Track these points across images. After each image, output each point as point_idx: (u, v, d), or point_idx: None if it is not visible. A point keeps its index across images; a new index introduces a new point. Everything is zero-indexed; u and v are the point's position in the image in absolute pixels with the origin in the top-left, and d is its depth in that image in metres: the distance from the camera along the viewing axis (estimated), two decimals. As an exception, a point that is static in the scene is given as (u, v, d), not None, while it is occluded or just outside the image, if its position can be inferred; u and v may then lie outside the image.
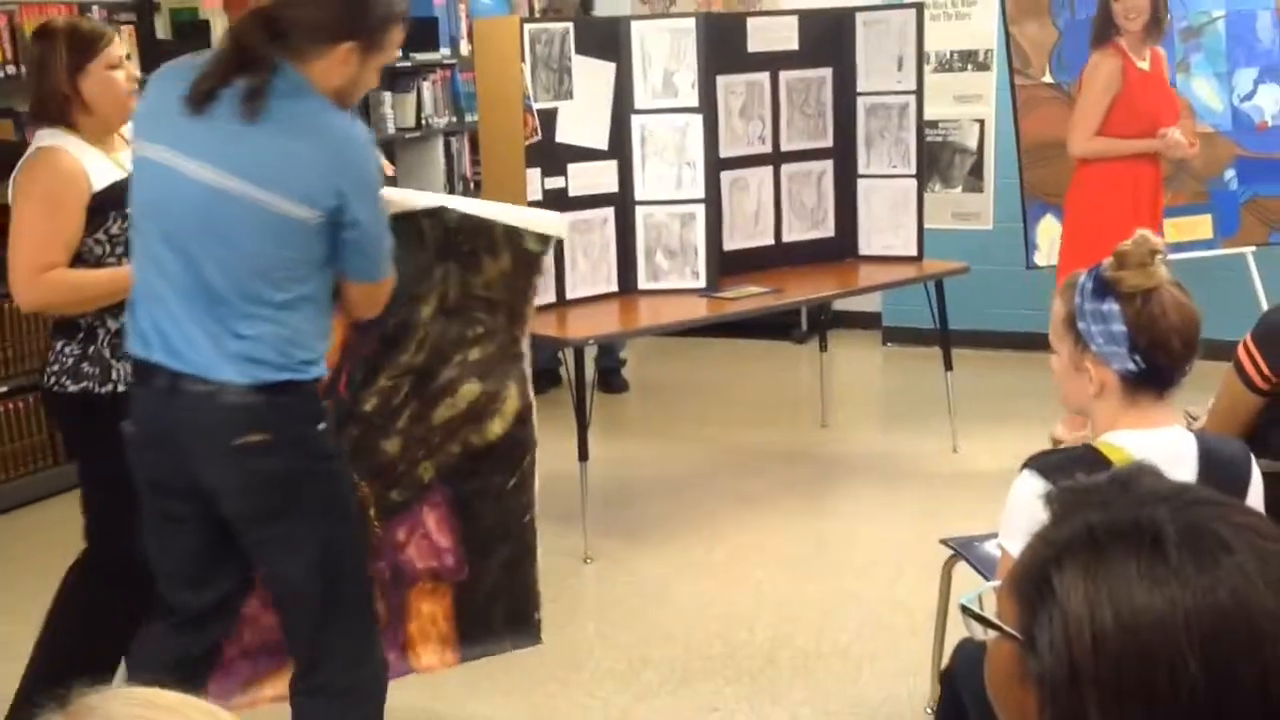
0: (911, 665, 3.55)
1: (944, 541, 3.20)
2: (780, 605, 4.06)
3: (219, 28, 5.80)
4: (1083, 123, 4.89)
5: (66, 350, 2.98)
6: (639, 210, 4.87)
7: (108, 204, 2.88)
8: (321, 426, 2.53)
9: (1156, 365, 2.07)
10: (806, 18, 4.98)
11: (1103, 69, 4.86)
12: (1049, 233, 5.57)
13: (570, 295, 4.73)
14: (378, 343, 2.96)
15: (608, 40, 4.70)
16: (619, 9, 5.27)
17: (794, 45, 5.10)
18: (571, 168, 4.68)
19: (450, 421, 3.11)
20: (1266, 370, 2.83)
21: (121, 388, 2.89)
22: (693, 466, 5.36)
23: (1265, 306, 5.04)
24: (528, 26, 4.49)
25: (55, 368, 2.99)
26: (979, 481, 4.84)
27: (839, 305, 7.40)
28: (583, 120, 4.66)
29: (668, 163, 4.82)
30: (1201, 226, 5.54)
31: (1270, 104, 5.66)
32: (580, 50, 4.61)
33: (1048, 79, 5.59)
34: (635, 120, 4.77)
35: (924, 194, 5.39)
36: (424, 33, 6.65)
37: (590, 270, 4.81)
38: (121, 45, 3.08)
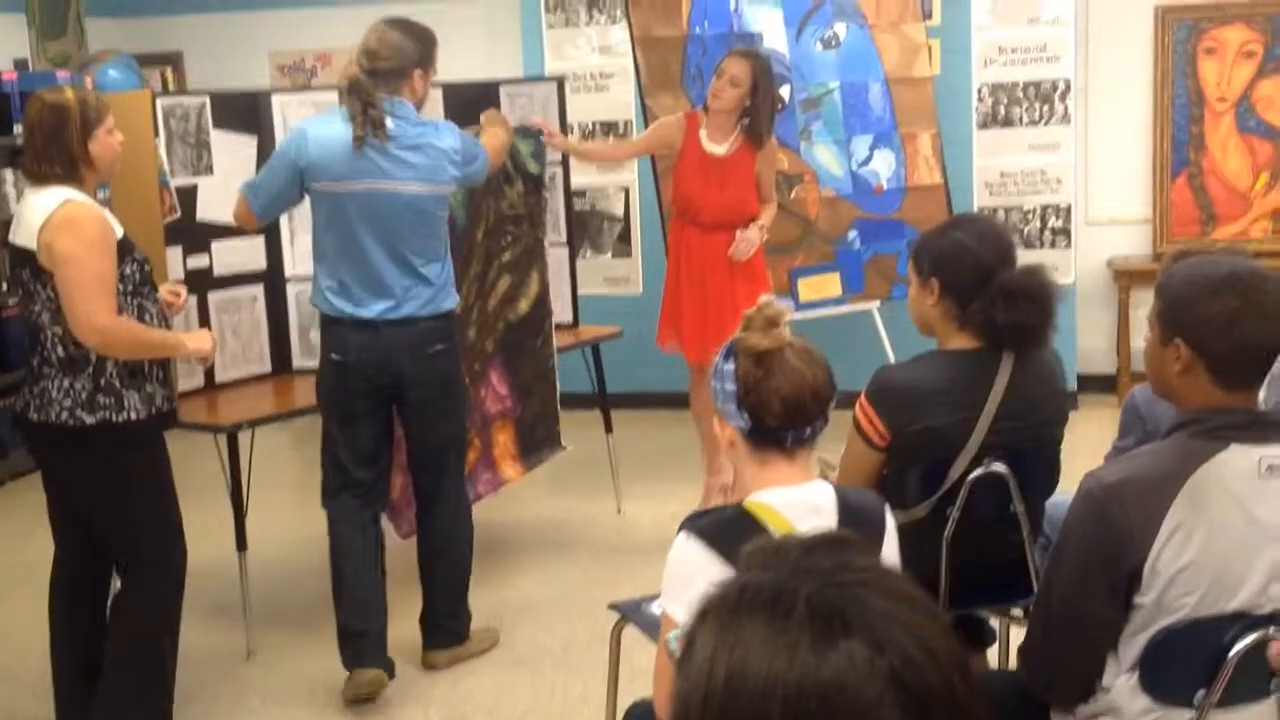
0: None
1: (612, 606, 3.23)
2: (453, 684, 4.00)
3: None
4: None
5: (77, 386, 3.31)
6: (290, 287, 4.74)
7: (123, 250, 3.34)
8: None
9: (763, 425, 2.13)
10: (452, 90, 5.01)
11: (661, 122, 5.19)
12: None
13: (220, 378, 4.54)
14: (459, 263, 4.20)
15: (247, 114, 4.58)
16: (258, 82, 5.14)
17: (440, 117, 5.11)
18: (215, 245, 4.52)
19: (496, 307, 4.61)
20: (882, 428, 2.98)
21: (133, 415, 3.34)
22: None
23: (892, 357, 5.41)
24: (161, 101, 4.32)
25: (67, 403, 3.30)
26: (644, 542, 4.94)
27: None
28: (225, 196, 4.50)
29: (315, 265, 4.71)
30: (831, 284, 5.89)
31: (884, 168, 6.10)
32: (219, 124, 4.47)
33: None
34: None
35: (576, 261, 5.50)
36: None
37: (241, 351, 4.64)
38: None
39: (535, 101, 5.28)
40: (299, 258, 4.70)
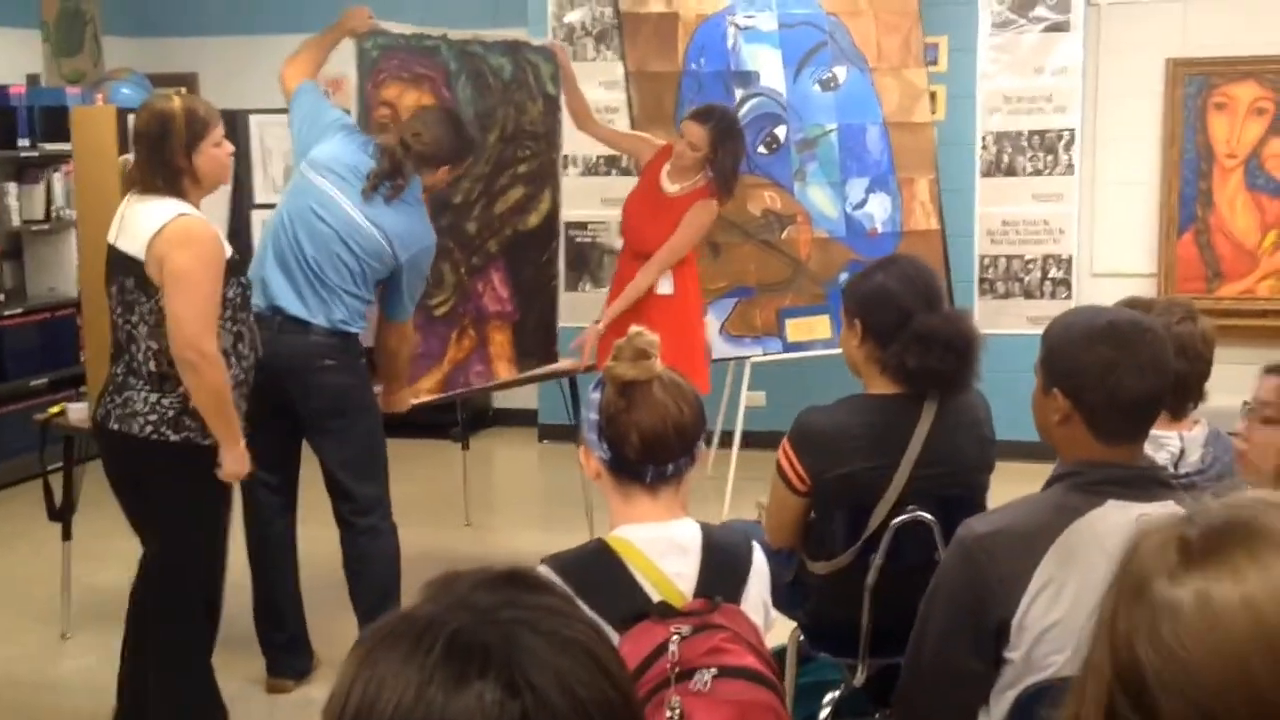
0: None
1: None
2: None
3: None
4: None
5: (165, 402, 3.30)
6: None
7: (230, 270, 3.33)
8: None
9: (622, 457, 2.08)
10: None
11: (646, 137, 5.28)
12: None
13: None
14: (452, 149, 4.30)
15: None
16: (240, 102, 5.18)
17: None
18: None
19: (505, 213, 4.82)
20: (802, 473, 2.94)
21: (214, 440, 3.32)
22: (317, 570, 5.20)
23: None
24: (132, 116, 4.35)
25: (153, 418, 3.30)
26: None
27: (499, 403, 7.45)
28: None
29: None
30: (820, 326, 5.84)
31: (880, 211, 6.05)
32: (194, 143, 4.49)
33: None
34: (255, 215, 4.68)
35: (558, 294, 5.45)
36: (55, 122, 6.36)
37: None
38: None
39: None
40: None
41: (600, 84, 6.78)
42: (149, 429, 3.31)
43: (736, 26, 5.83)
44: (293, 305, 3.84)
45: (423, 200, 4.06)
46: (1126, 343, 2.11)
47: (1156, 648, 0.98)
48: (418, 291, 4.09)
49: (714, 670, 1.93)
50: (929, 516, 2.92)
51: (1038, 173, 6.57)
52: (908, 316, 2.95)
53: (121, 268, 3.32)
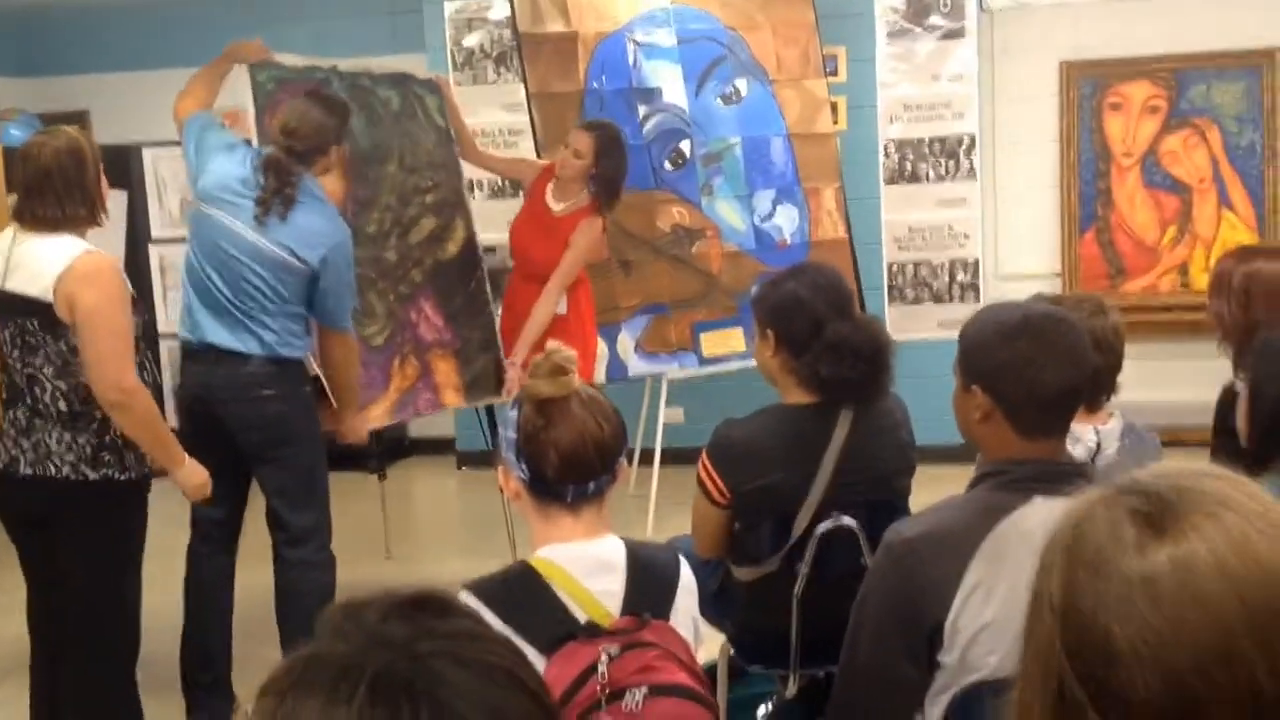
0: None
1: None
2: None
3: None
4: None
5: (80, 440, 3.23)
6: (162, 344, 4.64)
7: (133, 303, 3.29)
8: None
9: (542, 475, 2.03)
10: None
11: (528, 160, 5.48)
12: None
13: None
14: (368, 189, 4.55)
15: (118, 167, 4.50)
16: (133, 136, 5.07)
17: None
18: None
19: (422, 242, 4.82)
20: (722, 485, 2.92)
21: (133, 474, 3.28)
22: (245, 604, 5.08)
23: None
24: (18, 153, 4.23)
25: (70, 457, 3.22)
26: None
27: (414, 432, 7.35)
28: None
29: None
30: (735, 339, 5.84)
31: (788, 223, 6.07)
32: (86, 179, 4.37)
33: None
34: (153, 250, 4.56)
35: (495, 320, 5.39)
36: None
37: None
38: None
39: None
40: (171, 314, 4.61)
41: (502, 107, 6.75)
42: (66, 469, 3.24)
43: (636, 43, 5.82)
44: (223, 339, 3.78)
45: (323, 195, 3.90)
46: (1043, 336, 2.11)
47: (1130, 620, 0.98)
48: (348, 292, 3.96)
49: (645, 689, 1.89)
50: (853, 523, 2.91)
51: (940, 179, 6.64)
52: (820, 325, 2.94)
53: (18, 309, 3.21)
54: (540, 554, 2.05)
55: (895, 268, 6.74)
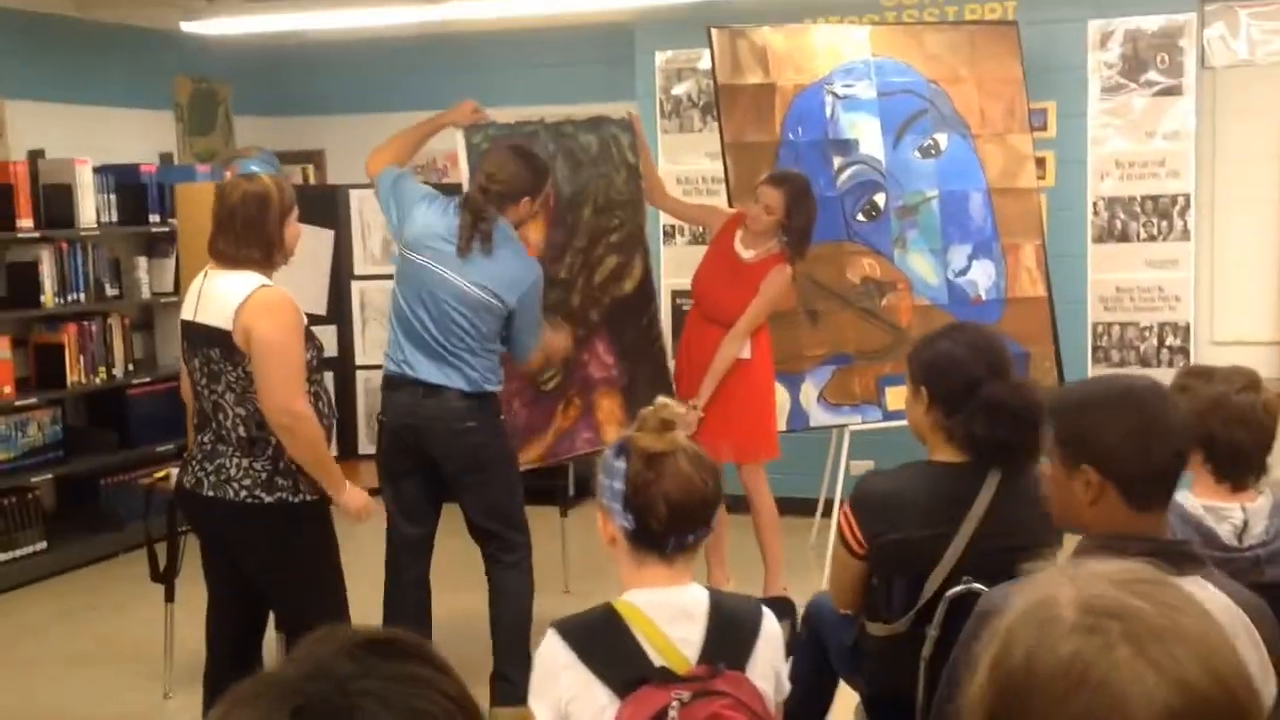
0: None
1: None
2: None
3: None
4: None
5: (256, 466, 3.44)
6: (359, 374, 4.89)
7: (306, 336, 3.48)
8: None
9: (646, 527, 2.10)
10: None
11: (715, 208, 5.59)
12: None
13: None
14: (563, 234, 4.82)
15: (325, 207, 4.79)
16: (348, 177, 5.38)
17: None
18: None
19: (603, 282, 5.00)
20: (860, 535, 2.92)
21: (307, 496, 3.47)
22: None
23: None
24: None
25: (247, 482, 3.43)
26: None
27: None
28: (302, 285, 4.70)
29: (388, 328, 4.88)
30: (922, 394, 5.75)
31: (984, 279, 5.97)
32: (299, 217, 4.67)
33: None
34: (355, 285, 4.83)
35: (665, 356, 5.52)
36: (184, 198, 6.67)
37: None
38: None
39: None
40: (369, 346, 4.86)
41: (706, 155, 6.86)
42: (243, 493, 3.44)
43: (835, 95, 5.85)
44: (431, 375, 4.10)
45: (516, 237, 4.22)
46: (1148, 405, 2.11)
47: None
48: (536, 327, 4.25)
49: (713, 737, 1.93)
50: (983, 588, 2.86)
51: (1151, 238, 6.42)
52: (974, 384, 2.92)
53: (205, 340, 3.45)
54: (625, 597, 2.12)
55: (1100, 329, 6.54)
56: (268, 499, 3.44)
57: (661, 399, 2.19)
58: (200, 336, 3.47)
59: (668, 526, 2.09)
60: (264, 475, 3.44)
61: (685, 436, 2.16)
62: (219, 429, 3.48)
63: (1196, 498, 2.86)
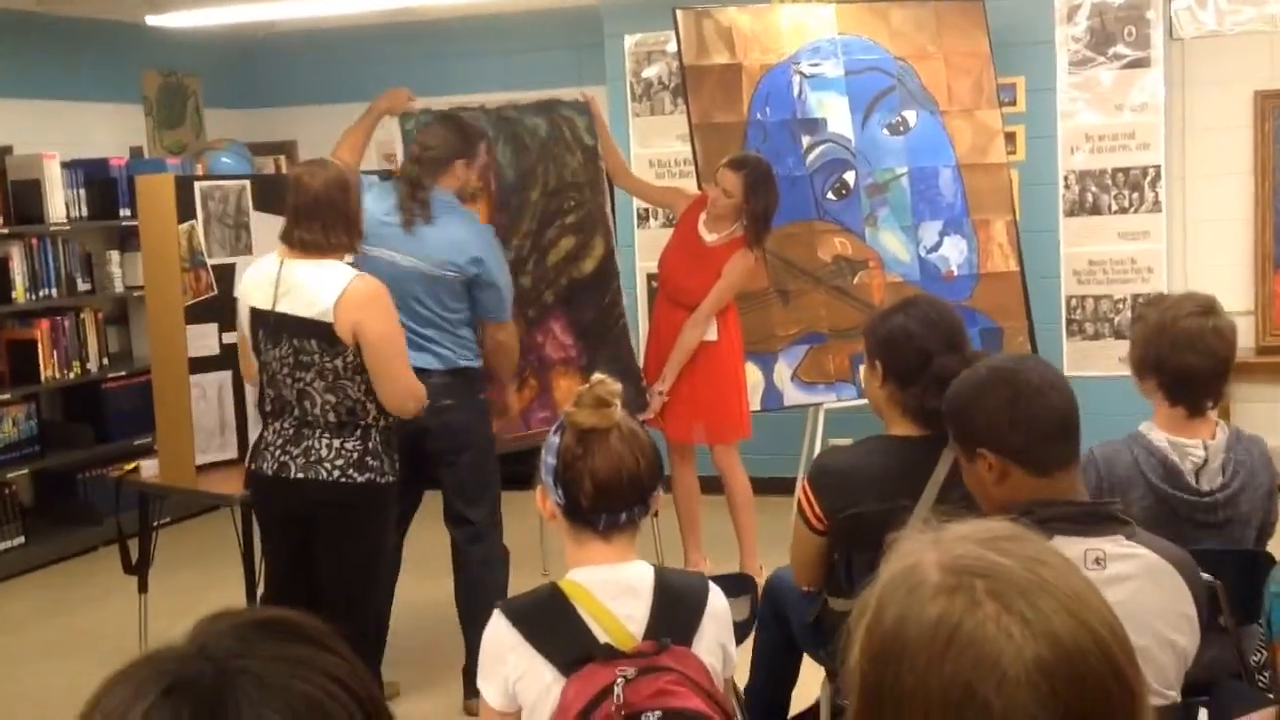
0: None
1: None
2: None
3: None
4: None
5: (349, 446, 3.55)
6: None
7: None
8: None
9: (576, 502, 2.11)
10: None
11: (679, 190, 5.61)
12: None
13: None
14: (508, 217, 4.81)
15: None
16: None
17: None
18: (254, 322, 4.70)
19: (559, 263, 4.99)
20: (819, 511, 2.93)
21: (391, 478, 3.62)
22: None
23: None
24: (198, 184, 4.54)
25: (339, 462, 3.54)
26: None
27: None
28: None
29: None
30: (894, 371, 5.76)
31: (955, 254, 5.98)
32: (259, 206, 4.66)
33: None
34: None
35: (628, 335, 5.53)
36: (154, 191, 6.64)
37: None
38: None
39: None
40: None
41: (677, 137, 6.85)
42: (336, 473, 3.53)
43: (802, 75, 5.84)
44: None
45: (459, 205, 4.24)
46: (1014, 378, 2.21)
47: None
48: (505, 287, 4.25)
49: (659, 713, 1.94)
50: (943, 560, 2.88)
51: (1123, 211, 6.42)
52: (928, 358, 2.93)
53: (298, 330, 3.47)
54: (569, 576, 2.12)
55: (1074, 302, 6.55)
56: (359, 479, 3.55)
57: (598, 375, 2.19)
58: (290, 327, 3.48)
59: (594, 503, 2.10)
60: (355, 455, 3.55)
61: (623, 413, 2.15)
62: (305, 415, 3.54)
63: (1160, 429, 2.90)
